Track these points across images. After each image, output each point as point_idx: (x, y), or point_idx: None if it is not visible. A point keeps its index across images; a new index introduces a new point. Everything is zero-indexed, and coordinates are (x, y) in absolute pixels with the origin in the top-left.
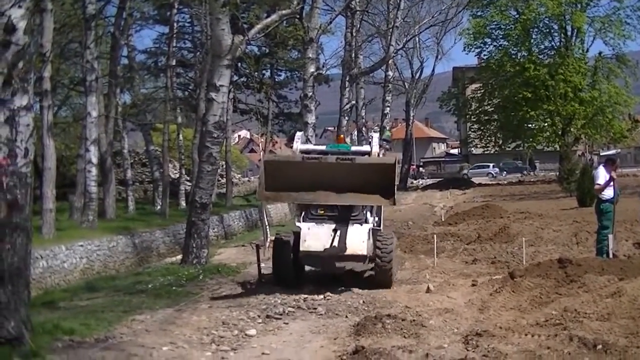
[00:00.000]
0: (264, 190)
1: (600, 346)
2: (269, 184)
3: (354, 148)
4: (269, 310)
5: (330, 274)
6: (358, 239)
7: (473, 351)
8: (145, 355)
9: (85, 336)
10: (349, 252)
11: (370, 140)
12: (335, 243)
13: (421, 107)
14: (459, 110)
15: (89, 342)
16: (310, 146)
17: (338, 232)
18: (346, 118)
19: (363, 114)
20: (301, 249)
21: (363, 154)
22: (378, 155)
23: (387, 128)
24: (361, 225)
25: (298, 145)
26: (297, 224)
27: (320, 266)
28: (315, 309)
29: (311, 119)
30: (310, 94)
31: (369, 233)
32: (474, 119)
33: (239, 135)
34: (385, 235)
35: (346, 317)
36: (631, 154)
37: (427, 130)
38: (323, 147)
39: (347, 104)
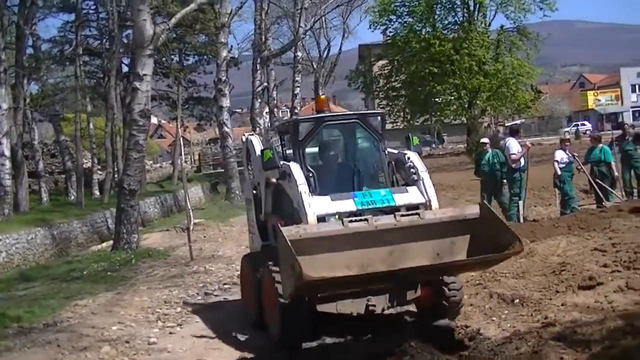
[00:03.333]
0: (303, 275)
1: (517, 300)
2: (307, 268)
3: (399, 197)
4: (206, 287)
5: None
6: None
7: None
8: (97, 335)
9: (32, 322)
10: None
11: (414, 174)
12: None
13: (330, 85)
14: (367, 88)
15: (39, 328)
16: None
17: None
18: (259, 100)
19: (274, 95)
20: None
21: (414, 207)
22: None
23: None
24: None
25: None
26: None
27: (354, 309)
28: None
29: (226, 102)
30: (224, 78)
31: None
32: (382, 96)
33: None
34: None
35: None
36: (535, 123)
37: (335, 108)
38: (350, 202)
39: (259, 86)
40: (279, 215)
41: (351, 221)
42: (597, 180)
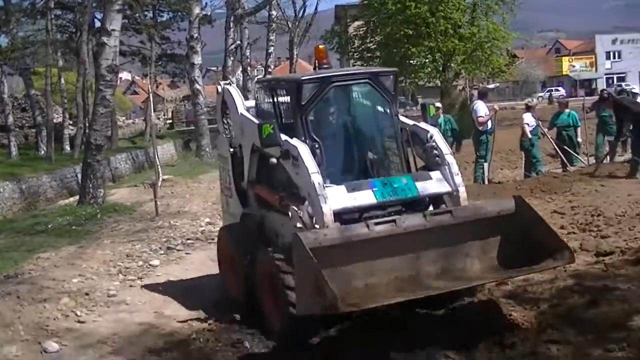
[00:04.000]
0: (338, 305)
1: None
2: (338, 285)
3: (422, 186)
4: (169, 242)
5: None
6: None
7: None
8: (57, 287)
9: None
10: None
11: (437, 157)
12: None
13: (305, 45)
14: (342, 48)
15: None
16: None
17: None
18: (231, 58)
19: (248, 53)
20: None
21: (438, 197)
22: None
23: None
24: None
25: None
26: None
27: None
28: (213, 239)
29: (197, 60)
30: (196, 35)
31: None
32: (357, 57)
33: (121, 78)
34: None
35: None
36: (509, 87)
37: (310, 68)
38: (369, 194)
39: (232, 44)
40: (270, 188)
41: (377, 223)
42: (563, 145)
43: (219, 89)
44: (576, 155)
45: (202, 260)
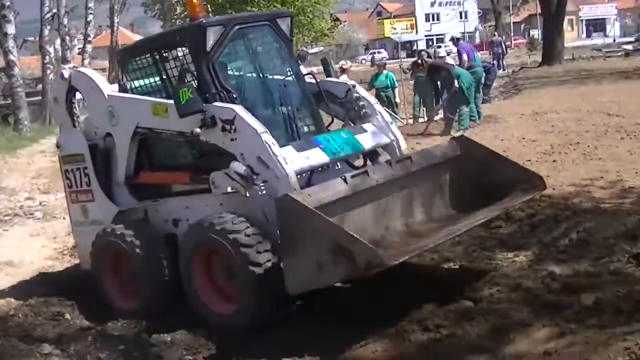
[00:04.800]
0: (384, 260)
1: None
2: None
3: (364, 139)
4: None
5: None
6: None
7: None
8: None
9: None
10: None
11: (365, 108)
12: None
13: (126, 12)
14: (165, 15)
15: None
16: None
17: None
18: (48, 27)
19: (65, 22)
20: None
21: (372, 151)
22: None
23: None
24: None
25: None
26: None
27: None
28: (32, 214)
29: (11, 29)
30: (8, 3)
31: None
32: (181, 23)
33: None
34: None
35: (63, 218)
36: (333, 51)
37: (132, 36)
38: (319, 153)
39: (48, 12)
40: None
41: (353, 176)
42: (382, 106)
43: (65, 75)
44: (394, 115)
45: (21, 236)
